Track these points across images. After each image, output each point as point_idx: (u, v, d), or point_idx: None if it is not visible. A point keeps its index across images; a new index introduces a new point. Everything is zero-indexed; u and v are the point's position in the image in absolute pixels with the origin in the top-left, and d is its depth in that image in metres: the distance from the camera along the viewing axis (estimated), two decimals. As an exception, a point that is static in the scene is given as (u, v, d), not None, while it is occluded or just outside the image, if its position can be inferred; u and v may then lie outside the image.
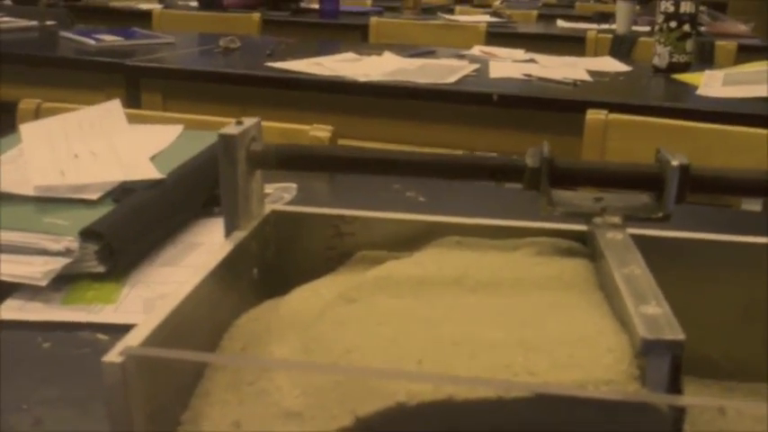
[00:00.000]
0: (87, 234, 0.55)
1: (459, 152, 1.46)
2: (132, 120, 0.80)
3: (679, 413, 0.24)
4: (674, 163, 0.34)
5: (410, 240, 0.40)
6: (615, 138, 1.11)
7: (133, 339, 0.27)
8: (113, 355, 0.26)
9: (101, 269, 0.56)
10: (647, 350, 0.24)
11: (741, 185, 0.37)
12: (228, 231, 0.38)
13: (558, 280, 0.34)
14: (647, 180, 0.36)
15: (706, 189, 0.36)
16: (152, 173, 0.66)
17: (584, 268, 0.35)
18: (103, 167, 0.67)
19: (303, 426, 0.27)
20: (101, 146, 0.71)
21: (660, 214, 0.35)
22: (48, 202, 0.61)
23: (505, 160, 0.36)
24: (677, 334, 0.24)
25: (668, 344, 0.24)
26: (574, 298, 0.31)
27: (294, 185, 0.81)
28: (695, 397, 0.26)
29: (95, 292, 0.54)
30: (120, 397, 0.26)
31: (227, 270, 0.35)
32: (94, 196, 0.61)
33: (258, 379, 0.30)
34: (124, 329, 0.28)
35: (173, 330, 0.30)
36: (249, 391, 0.29)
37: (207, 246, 0.62)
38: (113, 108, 0.79)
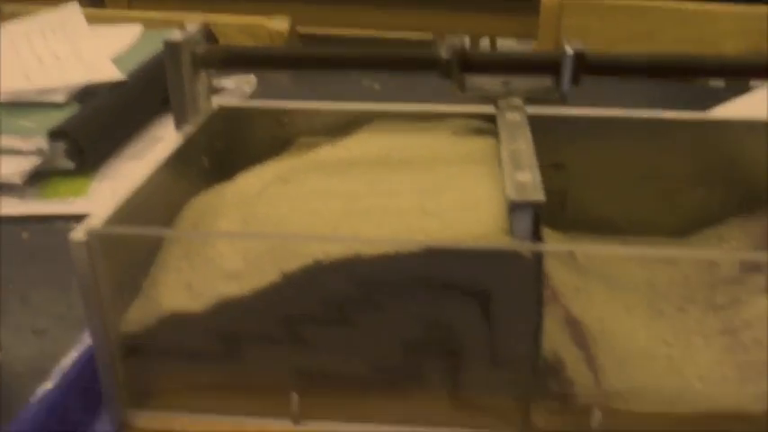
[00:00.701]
0: (56, 134, 0.60)
1: (423, 34, 1.49)
2: (93, 20, 0.82)
3: (539, 258, 0.30)
4: (569, 51, 0.39)
5: (344, 127, 0.45)
6: (571, 17, 1.14)
7: (96, 220, 0.33)
8: (79, 234, 0.31)
9: (70, 166, 0.61)
10: (513, 209, 0.30)
11: (632, 68, 0.42)
12: (178, 127, 0.43)
13: (466, 156, 0.39)
14: (547, 65, 0.41)
15: (601, 72, 0.41)
16: (114, 74, 0.69)
17: (489, 146, 0.40)
18: (67, 70, 0.70)
19: (241, 284, 0.33)
20: (63, 49, 0.74)
21: (557, 96, 0.41)
22: (16, 105, 0.65)
23: (423, 53, 0.41)
24: (539, 196, 0.30)
25: (531, 204, 0.30)
26: (474, 171, 0.37)
27: (253, 77, 0.85)
28: (549, 243, 0.32)
29: (67, 186, 0.60)
30: (86, 270, 0.32)
31: (178, 160, 0.40)
32: (61, 98, 0.65)
33: (206, 249, 0.35)
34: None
35: (131, 212, 0.35)
36: (198, 259, 0.35)
37: (168, 140, 0.67)
38: (72, 10, 0.82)
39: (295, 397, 0.34)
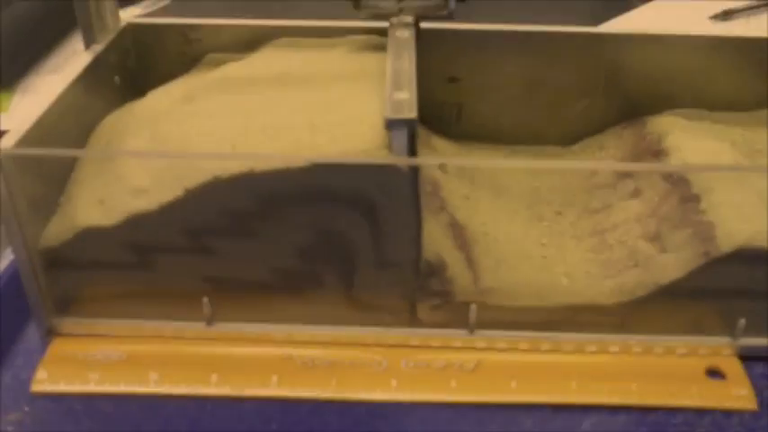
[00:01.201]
0: (-29, 49, 0.60)
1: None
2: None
3: (414, 171, 0.34)
4: (452, -30, 0.42)
5: (251, 43, 0.47)
6: None
7: (7, 141, 0.35)
8: (-9, 155, 0.34)
9: (-10, 80, 0.61)
10: (390, 126, 0.33)
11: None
12: (87, 45, 0.44)
13: (359, 73, 0.42)
14: (437, -16, 0.43)
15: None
16: (27, -17, 0.69)
17: (382, 62, 0.43)
18: (-21, -20, 0.69)
19: (149, 199, 0.35)
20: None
21: (445, 12, 0.43)
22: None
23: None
24: (412, 114, 0.33)
25: (406, 121, 0.33)
26: (364, 88, 0.39)
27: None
28: (422, 158, 0.35)
29: (-14, 101, 0.60)
30: (2, 189, 0.34)
31: (89, 79, 0.42)
32: (-26, 10, 0.65)
33: (116, 167, 0.38)
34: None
35: (43, 132, 0.37)
36: (108, 176, 0.37)
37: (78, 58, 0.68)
38: None
39: (206, 301, 0.38)
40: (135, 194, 0.36)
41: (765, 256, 0.36)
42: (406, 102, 0.34)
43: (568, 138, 0.50)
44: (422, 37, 0.44)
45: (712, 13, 0.71)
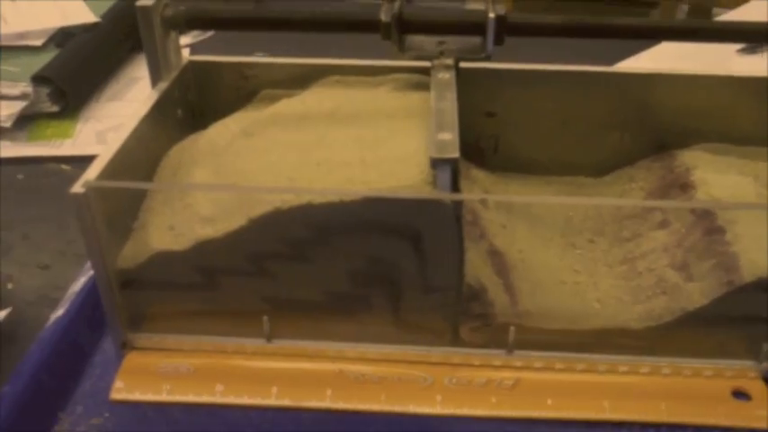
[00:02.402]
0: (38, 79, 0.65)
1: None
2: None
3: (457, 205, 0.37)
4: (491, 15, 0.45)
5: (302, 80, 0.51)
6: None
7: (91, 174, 0.38)
8: (77, 187, 0.37)
9: (55, 108, 0.66)
10: (434, 165, 0.36)
11: (549, 29, 0.47)
12: (154, 83, 0.48)
13: (405, 110, 0.45)
14: (475, 27, 0.46)
15: (520, 34, 0.46)
16: (88, 16, 0.73)
17: (426, 100, 0.46)
18: (42, 13, 0.74)
19: (215, 227, 0.39)
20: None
21: (483, 55, 0.46)
22: (-5, 50, 0.69)
23: (365, 15, 0.46)
24: (455, 153, 0.36)
25: (449, 160, 0.36)
26: (410, 125, 0.43)
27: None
28: (464, 194, 0.38)
29: (54, 129, 0.65)
30: (86, 217, 0.38)
31: (156, 114, 0.46)
32: (38, 42, 0.70)
33: (184, 196, 0.41)
34: (82, 160, 0.40)
35: (119, 164, 0.40)
36: (178, 205, 0.41)
37: (146, 79, 0.72)
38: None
39: (266, 319, 0.41)
40: (202, 223, 0.40)
41: (786, 286, 0.38)
42: (450, 142, 0.37)
43: (600, 169, 0.53)
44: (461, 75, 0.47)
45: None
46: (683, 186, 0.47)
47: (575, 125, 0.51)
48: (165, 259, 0.40)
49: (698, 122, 0.50)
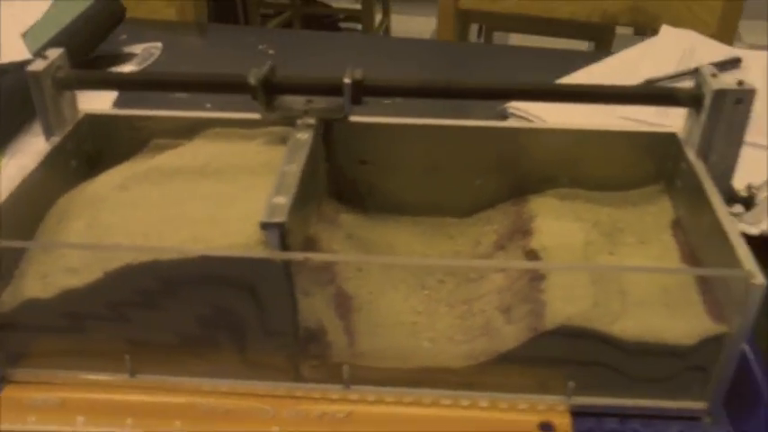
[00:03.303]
0: (-33, 118, 0.70)
1: None
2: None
3: (287, 264, 0.42)
4: (347, 80, 0.50)
5: (188, 130, 0.56)
6: None
7: (-33, 231, 0.43)
8: (-46, 245, 0.42)
9: (-16, 144, 0.71)
10: (264, 227, 0.41)
11: (403, 91, 0.52)
12: (47, 137, 0.53)
13: (268, 166, 0.50)
14: (333, 89, 0.51)
15: (376, 95, 0.51)
16: (23, 53, 0.78)
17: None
18: (-20, 51, 0.79)
19: (79, 277, 0.44)
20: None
21: (341, 115, 0.51)
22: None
23: (234, 78, 0.51)
24: (282, 218, 0.41)
25: (276, 224, 0.41)
26: (267, 182, 0.47)
27: (159, 44, 0.94)
28: (285, 252, 0.42)
29: (-19, 163, 0.70)
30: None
31: (48, 167, 0.51)
32: (-26, 81, 0.74)
33: (58, 249, 0.46)
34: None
35: (11, 213, 0.46)
36: (52, 256, 0.46)
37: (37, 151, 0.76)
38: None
39: (127, 358, 0.46)
40: (69, 273, 0.45)
41: (583, 334, 0.43)
42: (281, 206, 0.42)
43: (464, 211, 0.57)
44: (334, 128, 0.52)
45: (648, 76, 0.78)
46: (525, 232, 0.52)
47: (442, 171, 0.56)
48: (34, 305, 0.45)
49: (553, 170, 0.55)
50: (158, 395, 0.46)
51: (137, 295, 0.44)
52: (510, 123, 0.55)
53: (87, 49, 0.87)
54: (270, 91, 0.51)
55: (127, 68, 0.90)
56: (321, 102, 0.52)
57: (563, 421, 0.45)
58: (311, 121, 0.51)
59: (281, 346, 0.45)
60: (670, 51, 0.85)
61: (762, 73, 0.79)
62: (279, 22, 2.31)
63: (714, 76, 0.49)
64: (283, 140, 0.53)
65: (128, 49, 0.92)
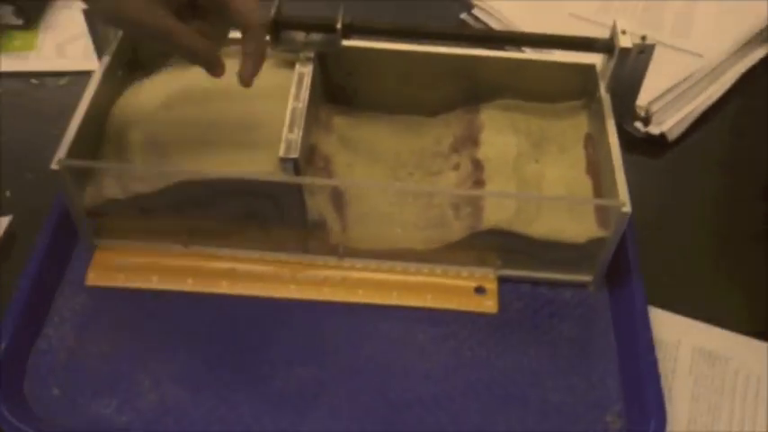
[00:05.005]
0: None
1: None
2: None
3: (299, 185, 0.59)
4: (338, 26, 0.63)
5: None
6: None
7: (61, 152, 0.59)
8: (54, 164, 0.58)
9: (20, 22, 0.82)
10: (282, 161, 0.57)
11: (384, 32, 0.66)
12: (99, 57, 0.66)
13: (280, 88, 0.64)
14: (329, 28, 0.64)
15: (361, 34, 0.65)
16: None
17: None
18: None
19: (147, 183, 0.60)
20: None
21: (334, 49, 0.65)
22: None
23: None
24: (296, 153, 0.57)
25: (291, 159, 0.57)
26: (282, 107, 0.62)
27: None
28: (307, 177, 0.59)
29: (20, 41, 0.82)
30: (64, 183, 0.59)
31: (103, 84, 0.64)
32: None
33: (125, 154, 0.62)
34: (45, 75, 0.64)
35: (83, 135, 0.61)
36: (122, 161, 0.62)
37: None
38: None
39: (185, 236, 0.64)
40: (138, 181, 0.61)
41: (507, 233, 0.61)
42: (294, 143, 0.58)
43: (430, 111, 0.73)
44: (330, 53, 0.66)
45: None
46: (474, 142, 0.69)
47: (412, 80, 0.71)
48: (114, 203, 0.61)
49: (500, 85, 0.70)
50: (210, 261, 0.65)
51: (190, 198, 0.61)
52: (467, 50, 0.68)
53: None
54: (277, 28, 0.64)
55: None
56: (318, 37, 0.66)
57: (492, 286, 0.65)
58: (310, 54, 0.65)
59: (295, 231, 0.63)
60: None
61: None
62: None
63: (624, 33, 0.63)
64: (288, 64, 0.67)
65: None
